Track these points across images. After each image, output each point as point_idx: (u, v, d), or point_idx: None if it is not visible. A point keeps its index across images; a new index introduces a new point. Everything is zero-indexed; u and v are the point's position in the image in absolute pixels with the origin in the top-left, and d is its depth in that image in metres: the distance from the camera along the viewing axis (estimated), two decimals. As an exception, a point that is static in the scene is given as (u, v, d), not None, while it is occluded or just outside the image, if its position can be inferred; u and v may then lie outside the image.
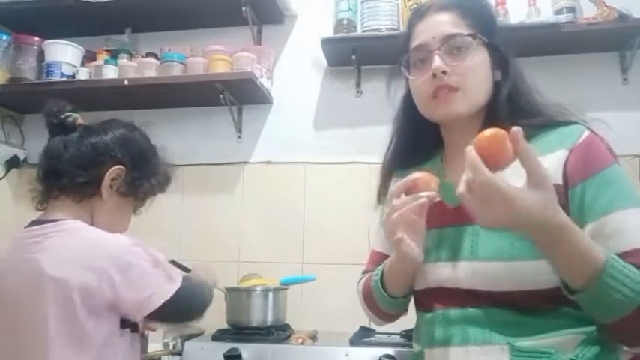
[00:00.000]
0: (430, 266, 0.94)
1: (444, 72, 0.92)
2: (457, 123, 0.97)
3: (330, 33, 2.13)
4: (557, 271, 0.78)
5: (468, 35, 0.94)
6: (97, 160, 1.10)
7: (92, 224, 1.11)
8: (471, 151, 0.73)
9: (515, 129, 0.72)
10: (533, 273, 0.82)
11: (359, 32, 2.10)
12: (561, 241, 0.74)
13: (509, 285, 0.83)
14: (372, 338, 1.71)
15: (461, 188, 0.74)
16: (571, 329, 0.82)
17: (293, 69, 2.32)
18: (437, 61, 0.92)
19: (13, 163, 2.36)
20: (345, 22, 2.12)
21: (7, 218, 2.29)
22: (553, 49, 2.05)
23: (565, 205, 0.82)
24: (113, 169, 1.11)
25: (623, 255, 0.77)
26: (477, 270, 0.86)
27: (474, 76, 0.94)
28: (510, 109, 0.94)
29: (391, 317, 1.12)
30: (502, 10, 2.04)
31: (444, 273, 0.91)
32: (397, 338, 1.68)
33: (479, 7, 0.99)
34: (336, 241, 2.09)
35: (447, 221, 0.94)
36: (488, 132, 0.75)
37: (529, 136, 0.84)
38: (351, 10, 2.13)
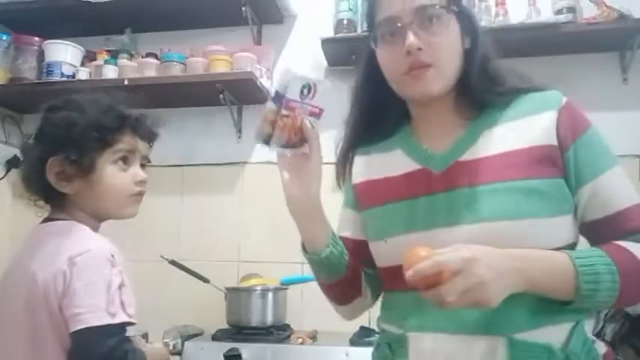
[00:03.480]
0: (418, 235, 0.88)
1: (419, 49, 0.86)
2: (429, 98, 0.93)
3: (330, 33, 2.13)
4: (548, 295, 0.80)
5: (441, 7, 0.88)
6: (34, 168, 1.06)
7: (91, 217, 1.09)
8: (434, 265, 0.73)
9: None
10: (541, 231, 0.82)
11: (359, 32, 2.09)
12: (536, 264, 0.79)
13: (520, 244, 0.80)
14: (372, 338, 1.71)
15: (451, 299, 0.72)
16: (563, 316, 0.82)
17: (293, 69, 2.31)
18: (411, 38, 0.86)
19: (13, 163, 2.36)
20: (345, 22, 2.12)
21: (7, 218, 2.29)
22: (553, 49, 2.05)
23: (560, 167, 0.86)
24: (48, 165, 1.05)
25: (616, 216, 0.84)
26: (482, 231, 0.82)
27: (448, 52, 0.89)
28: (481, 77, 0.92)
29: (340, 297, 1.03)
30: (502, 10, 2.04)
31: (442, 239, 0.83)
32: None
33: None
34: (336, 241, 2.09)
35: (436, 188, 0.89)
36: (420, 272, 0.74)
37: (506, 102, 0.91)
38: (351, 10, 2.13)
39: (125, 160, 1.10)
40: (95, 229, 1.09)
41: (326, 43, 2.09)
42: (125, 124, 1.10)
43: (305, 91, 0.89)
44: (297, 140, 0.90)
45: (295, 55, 2.33)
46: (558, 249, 0.82)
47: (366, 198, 1.01)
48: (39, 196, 1.09)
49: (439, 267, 0.72)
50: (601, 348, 0.86)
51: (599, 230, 0.86)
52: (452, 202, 0.87)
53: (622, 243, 0.82)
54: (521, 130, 0.88)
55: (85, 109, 1.08)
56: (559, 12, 2.01)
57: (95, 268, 0.97)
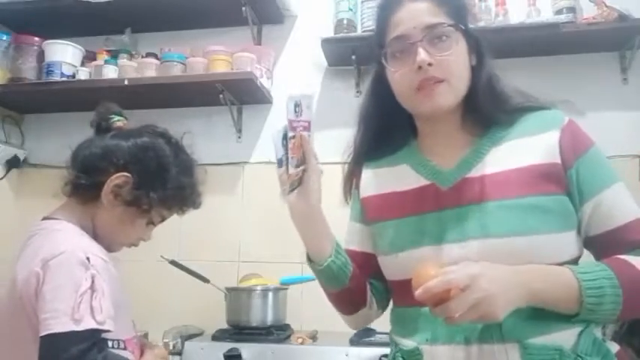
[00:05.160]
0: (428, 249, 0.90)
1: (429, 64, 0.90)
2: (439, 113, 0.96)
3: (330, 33, 2.13)
4: (553, 309, 0.83)
5: (449, 25, 0.92)
6: (101, 165, 1.06)
7: (93, 229, 1.08)
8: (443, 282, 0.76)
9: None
10: (547, 247, 0.85)
11: (359, 32, 2.10)
12: (540, 279, 0.81)
13: (528, 260, 0.83)
14: (372, 338, 1.71)
15: (458, 314, 0.75)
16: (571, 323, 0.84)
17: (293, 69, 2.32)
18: (422, 54, 0.90)
19: (13, 163, 2.36)
20: (345, 22, 2.12)
21: (7, 218, 2.29)
22: (553, 49, 2.05)
23: (564, 184, 0.88)
24: (117, 175, 1.05)
25: (618, 230, 0.87)
26: (491, 247, 0.85)
27: (457, 67, 0.93)
28: (488, 95, 0.95)
29: (345, 307, 1.06)
30: (502, 10, 2.04)
31: (451, 254, 0.86)
32: (397, 338, 1.68)
33: None
34: (336, 241, 2.09)
35: (445, 203, 0.92)
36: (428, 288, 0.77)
37: (511, 121, 0.95)
38: (351, 10, 2.13)
39: (155, 222, 1.15)
40: (88, 233, 1.06)
41: (326, 43, 2.09)
42: (190, 205, 1.18)
43: (297, 108, 0.93)
44: (302, 157, 0.94)
45: (295, 55, 2.33)
46: (563, 263, 0.85)
47: (374, 212, 1.02)
48: (75, 176, 1.07)
49: (447, 285, 0.75)
50: (613, 347, 0.88)
51: (603, 244, 0.89)
52: (460, 218, 0.89)
53: (625, 257, 0.85)
54: (525, 148, 0.91)
55: (186, 173, 1.15)
56: (559, 12, 2.01)
57: (66, 271, 0.93)
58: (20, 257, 1.01)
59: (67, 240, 0.99)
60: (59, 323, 0.89)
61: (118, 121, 1.13)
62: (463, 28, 0.94)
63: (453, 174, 0.94)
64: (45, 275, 0.93)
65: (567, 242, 0.88)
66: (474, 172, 0.92)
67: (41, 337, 0.89)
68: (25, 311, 0.94)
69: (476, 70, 0.96)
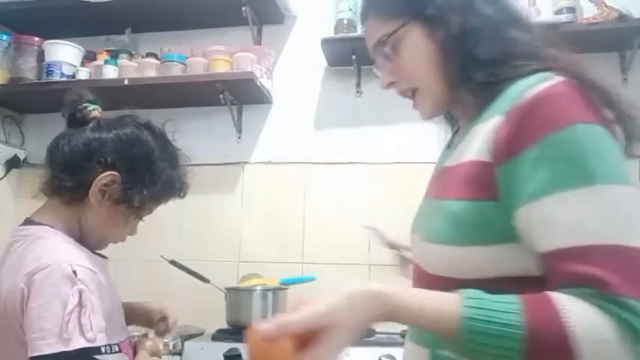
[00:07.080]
0: (412, 237, 0.87)
1: (392, 83, 0.85)
2: (430, 118, 0.89)
3: (330, 33, 2.13)
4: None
5: (385, 35, 0.82)
6: (85, 164, 1.00)
7: (80, 229, 1.03)
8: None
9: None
10: (460, 260, 0.71)
11: (359, 32, 2.09)
12: (404, 312, 0.63)
13: (446, 271, 0.72)
14: (372, 338, 1.71)
15: None
16: None
17: (293, 69, 2.32)
18: (380, 77, 0.87)
19: (13, 163, 2.36)
20: (345, 22, 2.12)
21: (7, 218, 2.29)
22: (553, 49, 2.05)
23: (492, 186, 0.68)
24: (104, 174, 1.00)
25: (545, 257, 0.64)
26: (423, 250, 0.80)
27: (418, 69, 0.81)
28: (477, 62, 0.76)
29: None
30: (502, 10, 2.04)
31: (415, 248, 0.85)
32: (397, 338, 1.68)
33: None
34: (336, 241, 2.09)
35: (427, 190, 0.89)
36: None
37: (491, 96, 0.75)
38: (351, 10, 2.13)
39: (143, 216, 1.11)
40: (74, 236, 1.03)
41: (326, 43, 2.09)
42: (177, 196, 1.13)
43: None
44: None
45: (295, 55, 2.33)
46: (486, 280, 0.68)
47: None
48: (55, 178, 1.02)
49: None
50: None
51: (546, 266, 0.66)
52: (425, 211, 0.86)
53: (554, 296, 0.60)
54: (475, 135, 0.74)
55: (174, 165, 1.09)
56: (559, 12, 2.01)
57: (51, 286, 0.88)
58: (2, 265, 0.97)
59: (52, 251, 0.94)
60: (47, 345, 0.86)
61: (93, 110, 1.05)
62: (406, 20, 0.80)
63: (440, 162, 0.89)
64: (30, 291, 0.89)
65: (490, 257, 0.69)
66: (448, 162, 0.82)
67: (30, 358, 0.86)
68: (10, 322, 0.92)
69: (454, 44, 0.78)
